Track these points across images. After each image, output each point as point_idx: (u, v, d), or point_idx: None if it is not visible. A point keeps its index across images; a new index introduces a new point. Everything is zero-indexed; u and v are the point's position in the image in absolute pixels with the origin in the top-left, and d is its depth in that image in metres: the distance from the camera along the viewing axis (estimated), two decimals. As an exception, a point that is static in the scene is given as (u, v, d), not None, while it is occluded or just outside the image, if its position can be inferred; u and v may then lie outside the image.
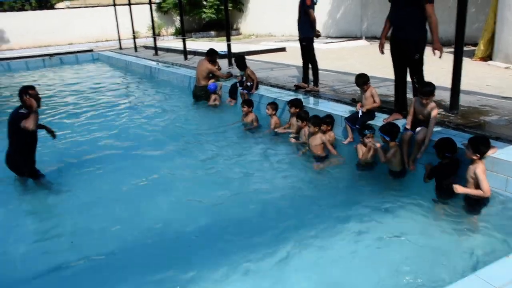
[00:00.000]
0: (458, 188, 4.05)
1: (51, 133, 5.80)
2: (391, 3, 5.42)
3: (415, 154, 4.86)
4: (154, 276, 3.55)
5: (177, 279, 3.46)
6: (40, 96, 5.33)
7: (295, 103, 6.57)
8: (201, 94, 9.47)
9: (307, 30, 7.69)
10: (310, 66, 7.90)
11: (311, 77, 7.91)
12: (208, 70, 9.35)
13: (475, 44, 10.73)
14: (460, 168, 4.33)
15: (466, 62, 9.72)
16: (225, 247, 3.88)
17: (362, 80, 5.70)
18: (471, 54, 10.41)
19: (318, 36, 7.79)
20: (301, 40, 7.84)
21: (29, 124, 5.00)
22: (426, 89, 4.76)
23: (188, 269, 3.58)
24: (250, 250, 3.76)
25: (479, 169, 4.03)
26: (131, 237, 4.18)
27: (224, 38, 11.51)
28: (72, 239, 4.21)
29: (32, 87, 5.29)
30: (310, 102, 7.04)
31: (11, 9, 31.61)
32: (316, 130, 5.59)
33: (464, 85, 6.73)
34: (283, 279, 3.40)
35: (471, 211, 4.19)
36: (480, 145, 4.03)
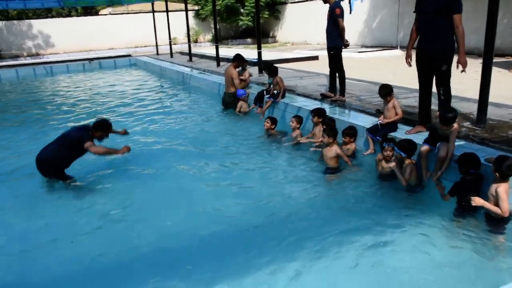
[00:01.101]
0: (476, 200, 3.89)
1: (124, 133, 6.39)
2: (418, 13, 5.27)
3: (437, 171, 4.69)
4: (160, 282, 3.58)
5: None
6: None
7: (318, 113, 6.49)
8: (230, 101, 9.48)
9: (336, 39, 7.61)
10: (337, 75, 7.81)
11: (338, 86, 7.81)
12: (232, 75, 9.36)
13: (515, 56, 10.31)
14: (484, 184, 4.14)
15: (503, 73, 9.40)
16: (231, 258, 3.87)
17: (385, 91, 5.57)
18: (510, 66, 9.99)
19: (346, 45, 7.70)
20: (329, 49, 7.76)
21: (96, 150, 5.46)
22: (447, 117, 4.53)
23: (195, 279, 3.57)
24: (255, 262, 3.72)
25: (501, 187, 3.84)
26: (143, 241, 4.22)
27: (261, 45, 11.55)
28: (93, 235, 4.33)
29: (110, 125, 5.88)
30: (334, 112, 6.95)
31: (59, 15, 33.04)
32: (331, 141, 5.48)
33: (497, 97, 6.49)
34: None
35: (492, 230, 3.99)
36: (504, 164, 3.82)
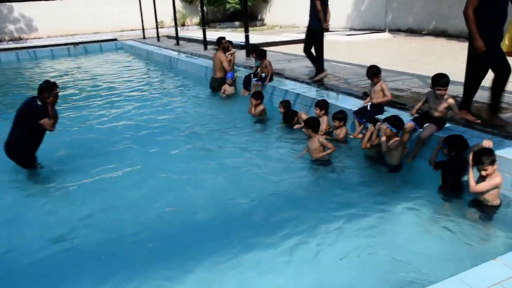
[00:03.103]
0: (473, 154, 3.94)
1: None
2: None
3: (416, 151, 4.80)
4: (154, 269, 3.57)
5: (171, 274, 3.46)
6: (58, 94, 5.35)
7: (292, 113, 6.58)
8: (217, 86, 9.43)
9: (312, 22, 7.52)
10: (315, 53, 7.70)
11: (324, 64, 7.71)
12: (221, 60, 9.27)
13: (504, 39, 10.28)
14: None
15: (490, 56, 9.41)
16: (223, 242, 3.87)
17: (373, 72, 5.56)
18: (496, 49, 9.99)
19: (326, 29, 7.54)
20: (307, 30, 7.67)
21: (49, 125, 5.17)
22: (443, 80, 4.60)
23: (185, 266, 3.56)
24: (242, 246, 3.74)
25: (493, 181, 3.83)
26: (131, 228, 4.18)
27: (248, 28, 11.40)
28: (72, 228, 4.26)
29: (55, 85, 5.29)
30: (322, 96, 6.93)
31: (42, -3, 32.26)
32: (311, 131, 5.30)
33: (484, 80, 6.48)
34: (278, 274, 3.38)
35: (479, 214, 3.99)
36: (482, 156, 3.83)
